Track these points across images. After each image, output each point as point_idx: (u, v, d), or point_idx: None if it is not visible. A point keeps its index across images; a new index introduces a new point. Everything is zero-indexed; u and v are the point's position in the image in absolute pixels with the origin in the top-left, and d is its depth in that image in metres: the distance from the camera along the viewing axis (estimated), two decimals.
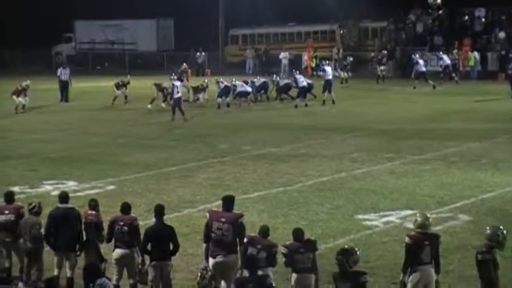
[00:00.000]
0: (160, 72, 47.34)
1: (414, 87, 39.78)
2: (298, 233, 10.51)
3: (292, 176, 19.34)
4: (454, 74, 44.26)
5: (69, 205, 11.96)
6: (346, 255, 9.25)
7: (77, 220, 11.73)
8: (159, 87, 34.32)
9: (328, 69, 35.91)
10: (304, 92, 34.51)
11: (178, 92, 30.18)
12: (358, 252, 9.38)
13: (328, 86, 34.71)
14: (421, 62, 41.77)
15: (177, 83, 30.69)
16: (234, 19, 59.91)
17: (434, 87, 39.38)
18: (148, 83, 36.69)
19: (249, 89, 35.16)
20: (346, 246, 9.61)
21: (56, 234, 11.68)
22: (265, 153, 22.60)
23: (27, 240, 11.85)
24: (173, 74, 32.38)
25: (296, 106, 33.52)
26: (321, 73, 39.27)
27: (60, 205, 11.92)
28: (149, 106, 33.84)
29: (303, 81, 35.02)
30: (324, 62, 39.78)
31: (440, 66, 44.72)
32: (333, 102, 34.16)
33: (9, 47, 59.90)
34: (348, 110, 32.80)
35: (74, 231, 11.70)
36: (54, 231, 11.69)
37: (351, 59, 45.14)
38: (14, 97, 33.58)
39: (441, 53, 45.65)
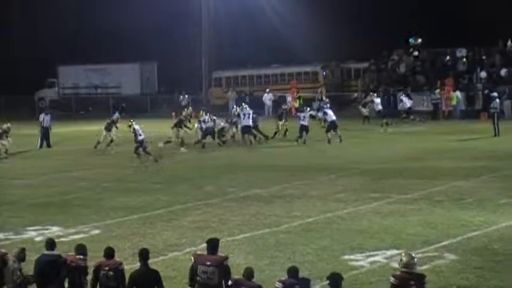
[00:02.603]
0: (145, 116, 47.36)
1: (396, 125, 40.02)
2: (293, 270, 10.53)
3: (278, 217, 19.27)
4: (436, 114, 44.64)
5: (55, 252, 11.85)
6: None
7: (62, 267, 11.63)
8: (180, 124, 34.76)
9: (330, 111, 36.77)
10: (301, 130, 35.42)
11: (140, 135, 31.23)
12: None
13: (333, 126, 35.60)
14: (404, 99, 42.11)
15: (137, 127, 31.31)
16: (217, 61, 60.21)
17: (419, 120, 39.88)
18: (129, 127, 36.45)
19: (227, 126, 36.71)
20: None
21: (43, 281, 11.57)
22: (251, 194, 22.54)
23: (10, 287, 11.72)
24: (131, 121, 32.47)
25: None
26: (321, 115, 39.84)
27: (46, 252, 11.82)
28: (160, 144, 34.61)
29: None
30: (325, 105, 40.29)
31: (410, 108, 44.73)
32: (340, 140, 35.05)
33: None
34: (333, 150, 32.88)
35: (60, 277, 11.59)
36: (41, 278, 11.57)
37: (327, 99, 45.33)
38: None
39: (403, 95, 45.53)
